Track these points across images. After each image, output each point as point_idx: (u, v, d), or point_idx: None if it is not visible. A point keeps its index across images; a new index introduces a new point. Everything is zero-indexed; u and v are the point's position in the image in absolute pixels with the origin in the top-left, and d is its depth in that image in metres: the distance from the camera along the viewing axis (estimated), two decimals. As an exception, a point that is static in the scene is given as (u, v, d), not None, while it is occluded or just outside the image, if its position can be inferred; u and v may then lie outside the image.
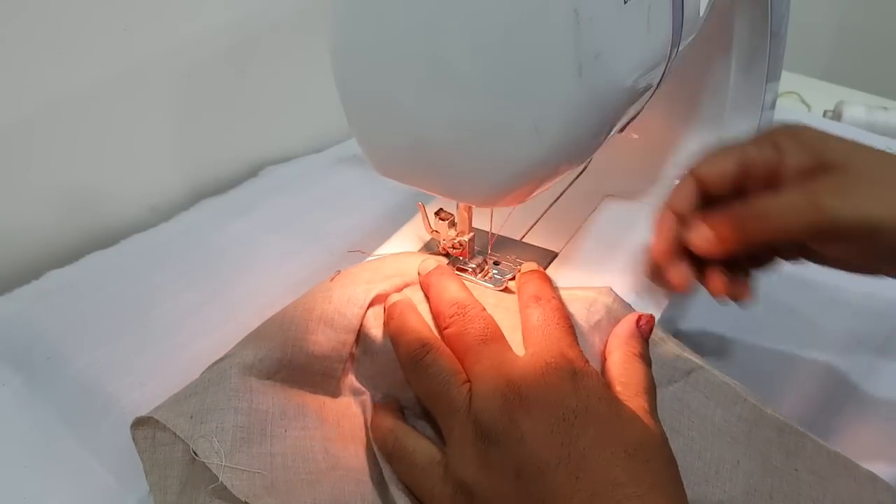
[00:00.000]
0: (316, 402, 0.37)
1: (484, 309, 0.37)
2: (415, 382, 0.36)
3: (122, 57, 0.56)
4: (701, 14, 0.37)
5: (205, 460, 0.31)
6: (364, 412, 0.38)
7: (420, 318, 0.38)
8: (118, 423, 0.42)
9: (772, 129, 0.40)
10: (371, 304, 0.39)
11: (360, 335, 0.39)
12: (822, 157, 0.36)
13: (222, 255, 0.56)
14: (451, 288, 0.38)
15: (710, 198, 0.40)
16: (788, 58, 0.55)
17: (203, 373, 0.36)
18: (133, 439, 0.35)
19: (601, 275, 0.45)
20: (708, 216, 0.38)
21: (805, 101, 0.92)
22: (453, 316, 0.36)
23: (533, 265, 0.41)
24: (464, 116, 0.31)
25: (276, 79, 0.68)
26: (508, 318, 0.39)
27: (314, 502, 0.32)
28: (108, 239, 0.58)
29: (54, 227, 0.58)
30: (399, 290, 0.40)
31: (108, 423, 0.42)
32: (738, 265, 0.41)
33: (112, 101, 0.57)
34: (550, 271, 0.45)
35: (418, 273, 0.40)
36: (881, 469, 0.37)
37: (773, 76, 0.53)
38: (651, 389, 0.34)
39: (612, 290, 0.40)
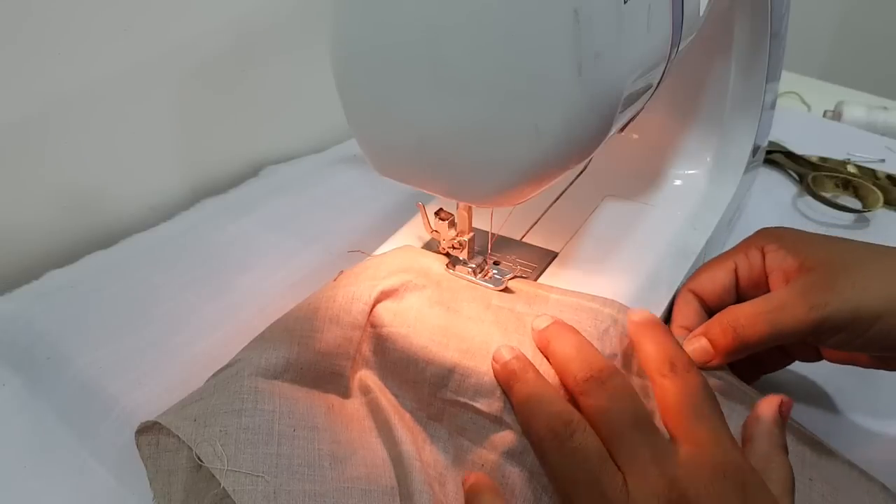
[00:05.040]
0: (325, 402, 0.36)
1: (625, 377, 0.34)
2: (554, 463, 0.33)
3: (123, 57, 0.56)
4: (701, 14, 0.37)
5: (207, 465, 0.31)
6: (372, 413, 0.37)
7: (545, 381, 0.35)
8: (118, 423, 0.42)
9: (755, 235, 0.42)
10: (377, 301, 0.39)
11: (371, 334, 0.39)
12: (805, 257, 0.38)
13: (222, 255, 0.56)
14: (578, 345, 0.36)
15: (712, 311, 0.41)
16: (788, 58, 0.55)
17: (209, 379, 0.36)
18: (137, 445, 0.34)
19: (601, 275, 0.45)
20: (707, 326, 0.39)
21: (805, 101, 0.91)
22: (588, 381, 0.34)
23: (645, 312, 0.38)
24: (464, 116, 0.31)
25: (276, 79, 0.68)
26: (512, 320, 0.39)
27: None
28: (108, 239, 0.58)
29: (54, 227, 0.58)
30: (404, 285, 0.40)
31: (108, 423, 0.42)
32: (754, 369, 0.42)
33: (112, 100, 0.57)
34: (550, 271, 0.45)
35: (532, 329, 0.38)
36: (881, 470, 0.37)
37: (773, 76, 0.52)
38: (793, 486, 0.33)
39: (615, 301, 0.40)
